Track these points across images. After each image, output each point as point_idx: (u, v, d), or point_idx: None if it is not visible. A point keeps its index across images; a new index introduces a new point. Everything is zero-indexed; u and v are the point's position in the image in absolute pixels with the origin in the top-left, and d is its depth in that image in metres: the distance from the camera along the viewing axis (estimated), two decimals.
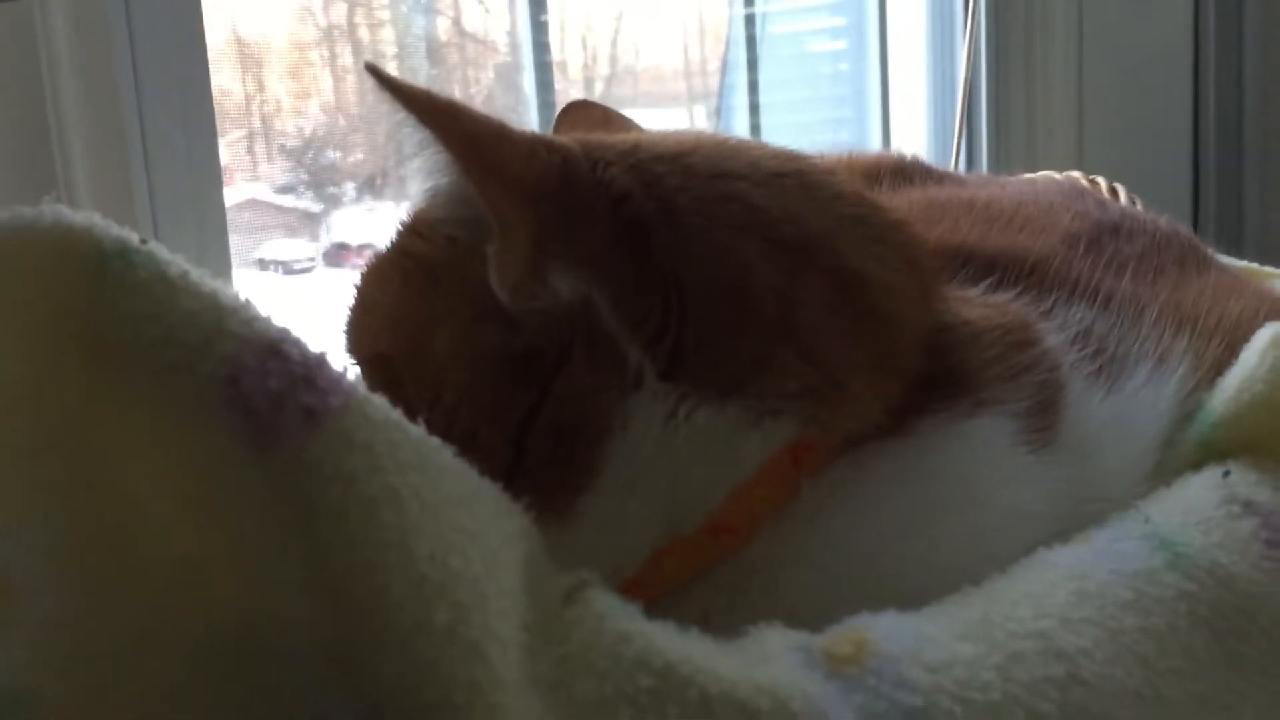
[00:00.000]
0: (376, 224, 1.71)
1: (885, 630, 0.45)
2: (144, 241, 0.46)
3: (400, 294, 0.58)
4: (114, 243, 0.46)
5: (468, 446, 0.48)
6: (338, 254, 1.72)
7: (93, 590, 0.44)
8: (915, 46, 1.81)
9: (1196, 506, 0.53)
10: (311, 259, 1.69)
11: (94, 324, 0.45)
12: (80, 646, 0.44)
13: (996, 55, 1.69)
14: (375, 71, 0.53)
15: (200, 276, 0.46)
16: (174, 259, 0.46)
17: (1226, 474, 0.55)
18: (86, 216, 0.47)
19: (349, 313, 0.62)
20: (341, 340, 0.61)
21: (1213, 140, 1.69)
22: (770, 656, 0.44)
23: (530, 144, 0.54)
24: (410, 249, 0.59)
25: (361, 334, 0.60)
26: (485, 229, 0.54)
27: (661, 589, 0.52)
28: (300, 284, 1.65)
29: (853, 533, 0.53)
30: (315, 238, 1.73)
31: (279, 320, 0.46)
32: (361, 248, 1.72)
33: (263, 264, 1.61)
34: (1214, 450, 0.57)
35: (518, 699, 0.41)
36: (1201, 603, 0.49)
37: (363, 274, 0.62)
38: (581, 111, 0.78)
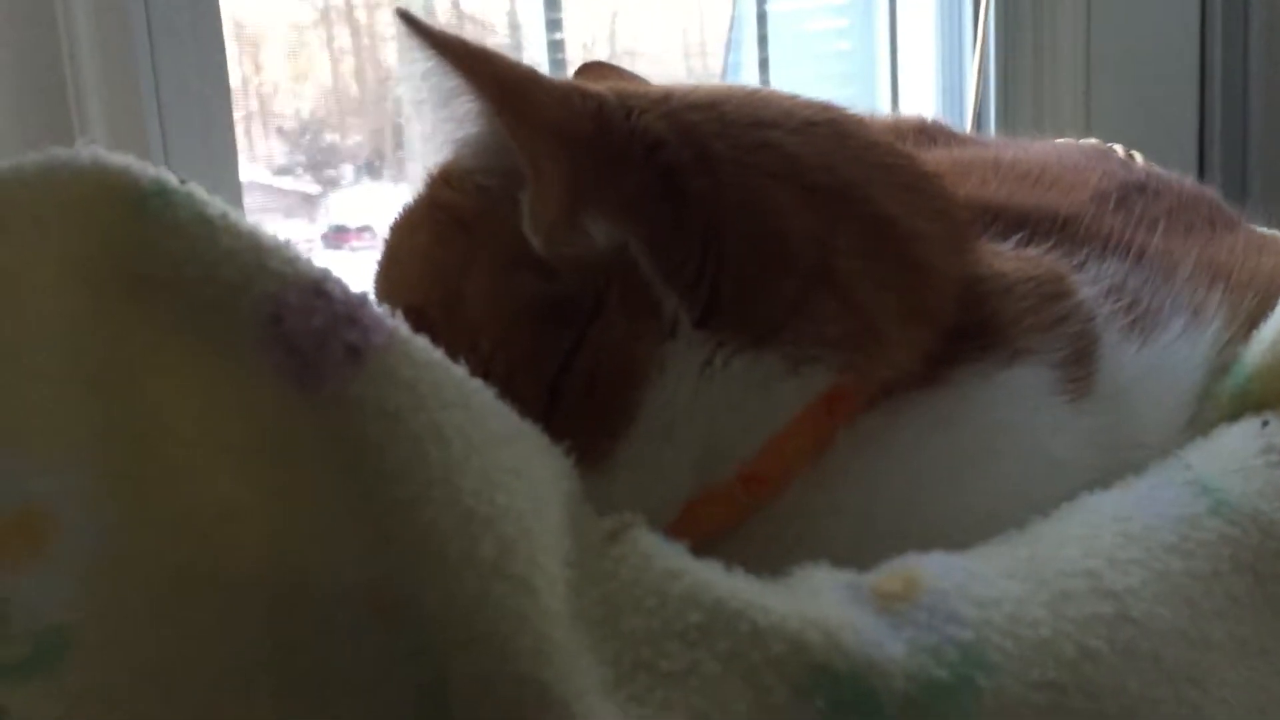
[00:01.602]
0: (375, 206, 1.71)
1: (934, 568, 0.45)
2: (183, 181, 0.46)
3: (432, 244, 0.58)
4: (152, 182, 0.46)
5: (504, 394, 0.48)
6: (336, 236, 1.72)
7: (135, 528, 0.44)
8: (920, 25, 1.81)
9: (1236, 455, 0.53)
10: (310, 241, 1.69)
11: (135, 262, 0.45)
12: (121, 585, 0.44)
13: (1005, 35, 1.69)
14: (406, 17, 0.52)
15: (239, 217, 0.46)
16: (212, 199, 0.46)
17: (1265, 424, 0.54)
18: (123, 157, 0.47)
19: (378, 265, 0.61)
20: (370, 292, 0.61)
21: (1218, 108, 1.70)
22: (819, 592, 0.44)
23: (564, 91, 0.54)
24: (440, 199, 0.59)
25: (392, 285, 0.60)
26: (518, 177, 0.53)
27: (696, 539, 0.52)
28: None
29: (889, 481, 0.53)
30: (313, 220, 1.72)
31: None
32: (360, 230, 1.72)
33: None
34: (1250, 402, 0.57)
35: (565, 631, 0.41)
36: (1245, 548, 0.49)
37: (392, 226, 0.61)
38: (597, 72, 0.77)
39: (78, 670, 0.43)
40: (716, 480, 0.53)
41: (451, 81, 0.53)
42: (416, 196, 0.61)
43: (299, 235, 1.68)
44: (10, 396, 0.44)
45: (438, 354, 0.45)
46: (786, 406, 0.52)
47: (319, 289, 0.44)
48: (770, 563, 0.50)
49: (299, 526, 0.44)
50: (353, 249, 1.72)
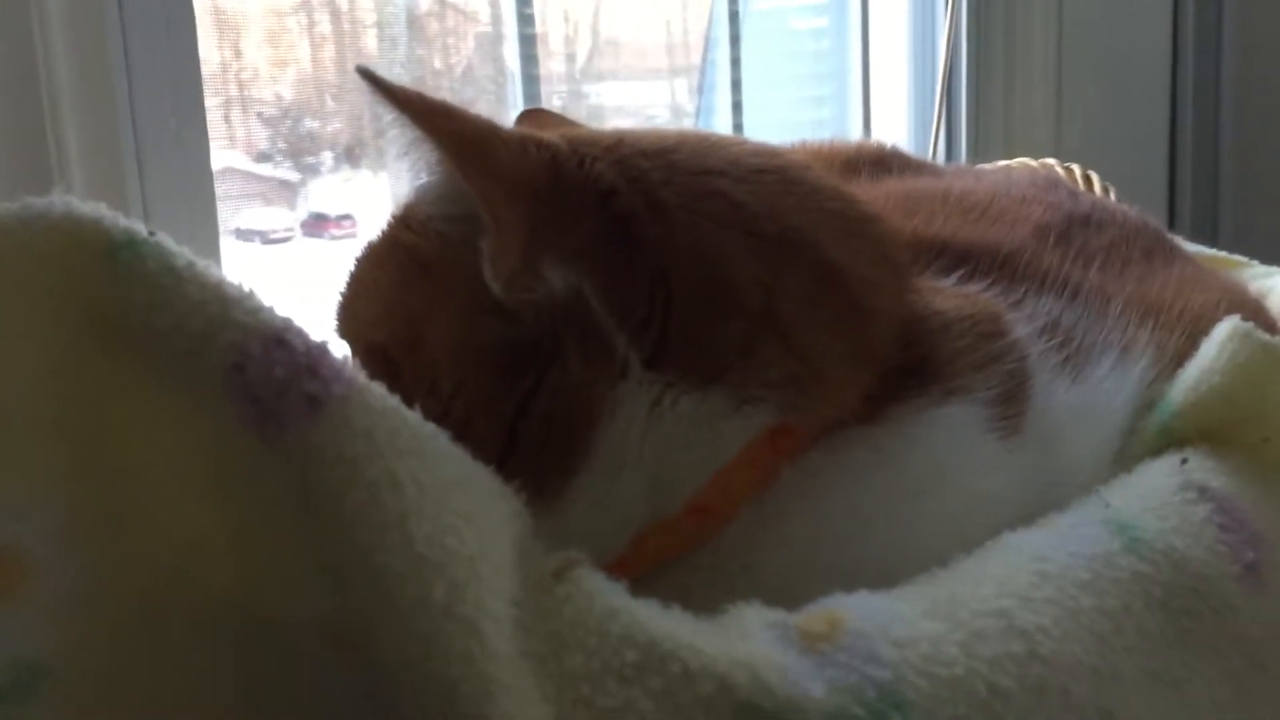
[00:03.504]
0: (354, 194, 1.71)
1: (857, 609, 0.48)
2: (151, 233, 0.48)
3: (394, 284, 0.59)
4: (122, 233, 0.48)
5: (462, 433, 0.50)
6: (316, 224, 1.71)
7: (104, 567, 0.46)
8: (896, 25, 1.83)
9: (1154, 492, 0.56)
10: (289, 229, 1.69)
11: (105, 312, 0.47)
12: (91, 621, 0.46)
13: (977, 39, 1.71)
14: (367, 74, 0.54)
15: (205, 267, 0.48)
16: (180, 250, 0.48)
17: (1184, 462, 0.57)
18: (94, 208, 0.49)
19: (342, 296, 0.63)
20: (333, 323, 0.63)
21: (1189, 128, 1.72)
22: (748, 633, 0.46)
23: (520, 142, 0.56)
24: (402, 240, 0.60)
25: (355, 321, 0.61)
26: (476, 225, 0.55)
27: (644, 568, 0.54)
28: (278, 254, 1.65)
29: (829, 515, 0.55)
30: (293, 207, 1.72)
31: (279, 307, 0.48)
32: (340, 218, 1.72)
33: (241, 233, 1.61)
34: (1173, 438, 0.60)
35: (510, 671, 0.43)
36: (1156, 584, 0.51)
37: (357, 259, 0.63)
38: (537, 118, 0.78)
39: (52, 701, 0.45)
40: (666, 512, 0.55)
41: (412, 133, 0.55)
42: (379, 233, 0.63)
43: (279, 223, 1.69)
44: None
45: (394, 401, 0.48)
46: (732, 443, 0.55)
47: (280, 339, 0.46)
48: (715, 589, 0.52)
49: (262, 565, 0.47)
50: (332, 237, 1.72)
